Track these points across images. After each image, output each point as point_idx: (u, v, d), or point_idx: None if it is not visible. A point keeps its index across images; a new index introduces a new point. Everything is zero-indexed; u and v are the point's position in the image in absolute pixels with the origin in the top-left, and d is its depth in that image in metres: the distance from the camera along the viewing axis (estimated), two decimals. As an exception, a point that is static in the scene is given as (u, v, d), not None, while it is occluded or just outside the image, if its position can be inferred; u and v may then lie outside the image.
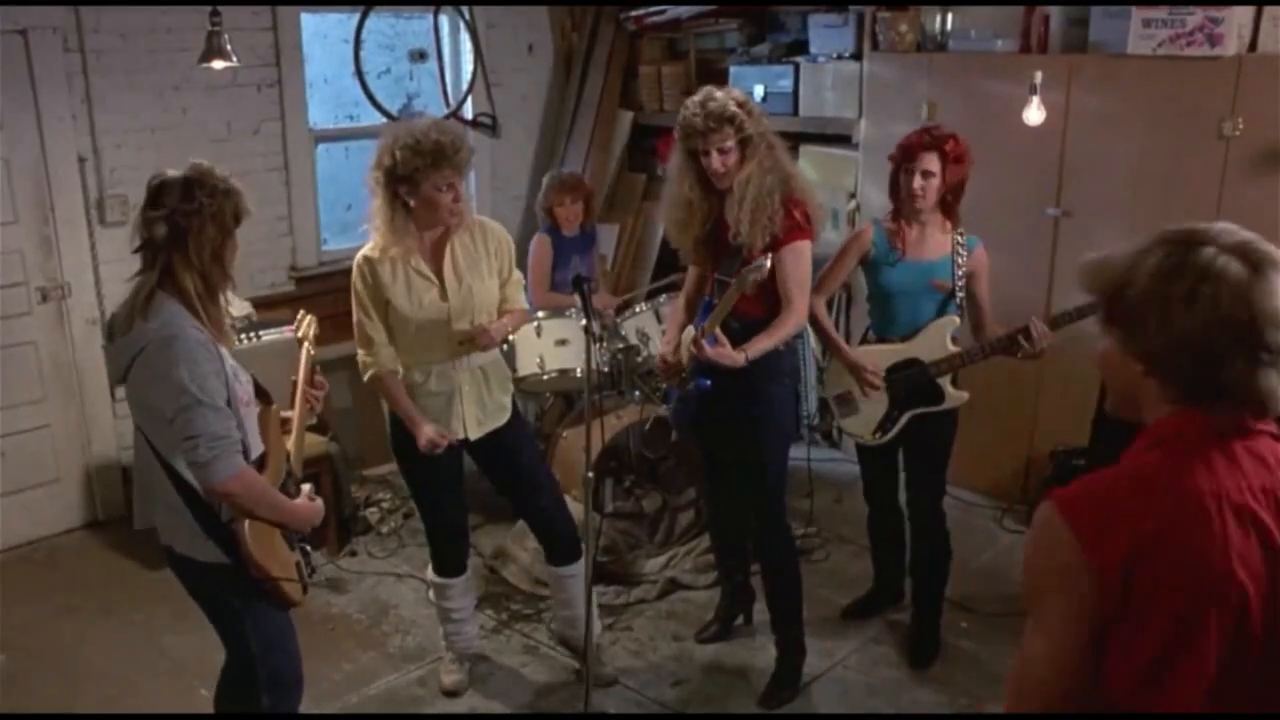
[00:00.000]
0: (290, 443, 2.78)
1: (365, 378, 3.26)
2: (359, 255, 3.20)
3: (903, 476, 3.72)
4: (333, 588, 4.32)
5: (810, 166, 5.10)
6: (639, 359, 4.44)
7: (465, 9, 5.62)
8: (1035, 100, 3.99)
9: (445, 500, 3.46)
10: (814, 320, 3.58)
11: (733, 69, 5.46)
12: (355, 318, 3.23)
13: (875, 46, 4.91)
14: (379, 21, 5.46)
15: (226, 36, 4.01)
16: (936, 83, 4.67)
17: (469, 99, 5.76)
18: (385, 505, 4.86)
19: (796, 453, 3.64)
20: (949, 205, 3.45)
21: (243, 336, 4.27)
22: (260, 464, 2.56)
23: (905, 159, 3.39)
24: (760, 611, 3.86)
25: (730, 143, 3.10)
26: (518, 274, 3.39)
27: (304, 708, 2.85)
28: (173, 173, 2.44)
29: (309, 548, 2.78)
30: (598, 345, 3.98)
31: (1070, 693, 1.42)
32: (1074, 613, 1.40)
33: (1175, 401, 1.43)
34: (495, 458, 3.44)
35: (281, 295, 5.18)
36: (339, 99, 5.55)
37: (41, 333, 4.60)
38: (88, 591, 4.29)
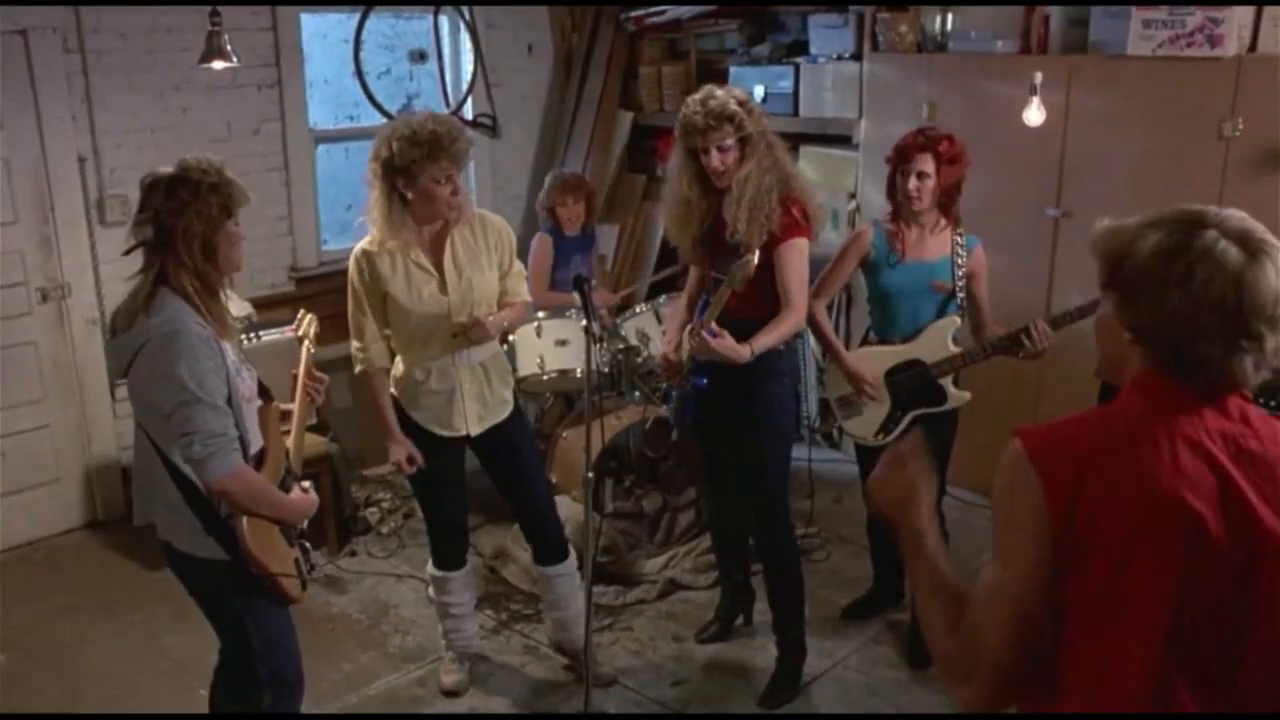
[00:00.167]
0: (290, 441, 2.78)
1: (356, 370, 3.29)
2: (356, 249, 3.20)
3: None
4: (333, 588, 4.32)
5: (810, 167, 5.10)
6: (639, 359, 4.44)
7: (465, 9, 5.62)
8: (1035, 101, 3.99)
9: (446, 498, 3.46)
10: (814, 325, 3.58)
11: (733, 69, 5.46)
12: (350, 311, 3.24)
13: (875, 47, 4.91)
14: (379, 22, 5.46)
15: (226, 37, 4.02)
16: (936, 83, 4.67)
17: (469, 99, 5.76)
18: (385, 505, 4.86)
19: (797, 453, 3.64)
20: (947, 205, 3.45)
21: (243, 337, 4.27)
22: (259, 460, 2.56)
23: (900, 160, 3.39)
24: (760, 611, 3.86)
25: (730, 141, 3.10)
26: (519, 265, 3.38)
27: (304, 707, 2.85)
28: (164, 170, 2.44)
29: (308, 544, 2.78)
30: (598, 346, 3.97)
31: (1032, 619, 1.45)
32: (1033, 539, 1.44)
33: (1155, 370, 1.48)
34: (497, 453, 3.44)
35: (281, 295, 5.19)
36: (339, 99, 5.55)
37: (41, 333, 4.60)
38: (88, 591, 4.29)
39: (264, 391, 2.66)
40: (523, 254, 3.72)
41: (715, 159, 3.13)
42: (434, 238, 3.20)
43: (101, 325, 4.68)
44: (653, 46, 6.09)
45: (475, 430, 3.33)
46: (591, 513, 3.26)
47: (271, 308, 4.96)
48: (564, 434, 4.60)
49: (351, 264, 3.21)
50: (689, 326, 3.25)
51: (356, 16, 5.23)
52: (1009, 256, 4.07)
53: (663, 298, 4.69)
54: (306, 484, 2.74)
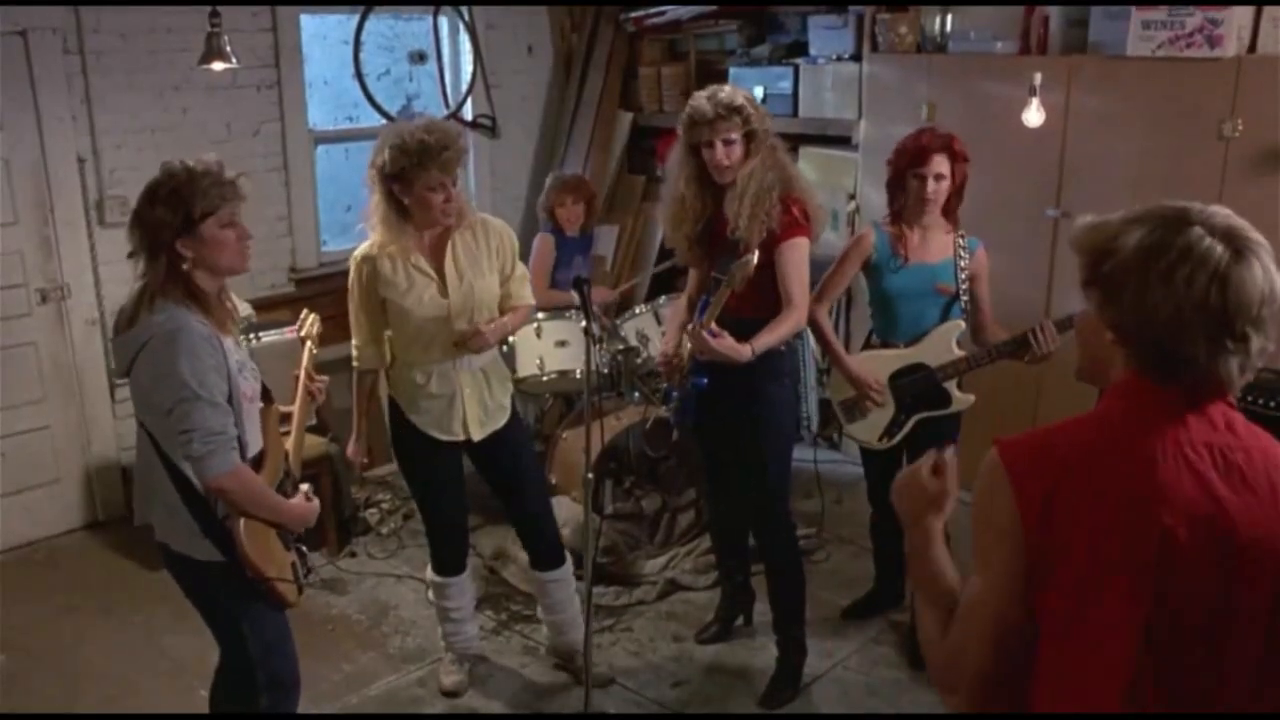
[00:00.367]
0: (289, 443, 2.78)
1: (354, 368, 3.35)
2: (356, 254, 3.22)
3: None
4: (332, 588, 4.32)
5: (810, 168, 5.10)
6: (639, 360, 4.44)
7: (465, 10, 5.62)
8: (1035, 101, 3.98)
9: (445, 500, 3.46)
10: (817, 329, 3.58)
11: (732, 70, 5.46)
12: (350, 314, 3.27)
13: (875, 48, 4.91)
14: (378, 23, 5.46)
15: (226, 37, 4.01)
16: (936, 84, 4.67)
17: (469, 100, 5.76)
18: (385, 506, 4.86)
19: (799, 454, 3.64)
20: (950, 206, 3.45)
21: (242, 337, 4.27)
22: (258, 462, 2.56)
23: (915, 163, 3.36)
24: (760, 612, 3.86)
25: (736, 134, 3.11)
26: (521, 269, 3.38)
27: (303, 708, 2.85)
28: (163, 169, 2.46)
29: (305, 548, 2.78)
30: (597, 347, 3.98)
31: (1011, 627, 1.45)
32: (1008, 549, 1.43)
33: (1137, 372, 1.45)
34: (496, 459, 3.44)
35: (281, 296, 5.19)
36: (338, 100, 5.55)
37: (41, 334, 4.60)
38: (88, 591, 4.29)
39: (265, 393, 2.66)
40: (523, 254, 3.72)
41: (720, 152, 3.12)
42: (435, 242, 3.20)
43: (101, 326, 4.68)
44: (652, 47, 6.09)
45: (477, 435, 3.34)
46: (591, 514, 3.26)
47: (271, 308, 4.96)
48: (564, 435, 4.60)
49: (351, 268, 3.22)
50: (689, 326, 3.25)
51: (356, 17, 5.22)
52: (1009, 257, 4.07)
53: (662, 298, 4.69)
54: (305, 486, 2.74)
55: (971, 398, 3.52)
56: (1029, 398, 4.53)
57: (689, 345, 3.20)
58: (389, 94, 5.57)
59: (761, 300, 3.18)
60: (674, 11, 5.71)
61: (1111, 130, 4.18)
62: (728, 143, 3.12)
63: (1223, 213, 1.42)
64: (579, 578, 3.53)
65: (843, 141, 5.14)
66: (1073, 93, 4.25)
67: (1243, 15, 3.84)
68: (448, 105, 5.65)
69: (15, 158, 4.42)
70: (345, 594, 4.29)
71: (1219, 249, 1.36)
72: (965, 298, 3.46)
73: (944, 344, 3.47)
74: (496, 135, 5.91)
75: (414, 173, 3.02)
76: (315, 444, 4.38)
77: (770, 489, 3.42)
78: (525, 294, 3.39)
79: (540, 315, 4.42)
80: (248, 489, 2.47)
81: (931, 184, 3.34)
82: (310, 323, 3.12)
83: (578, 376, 4.36)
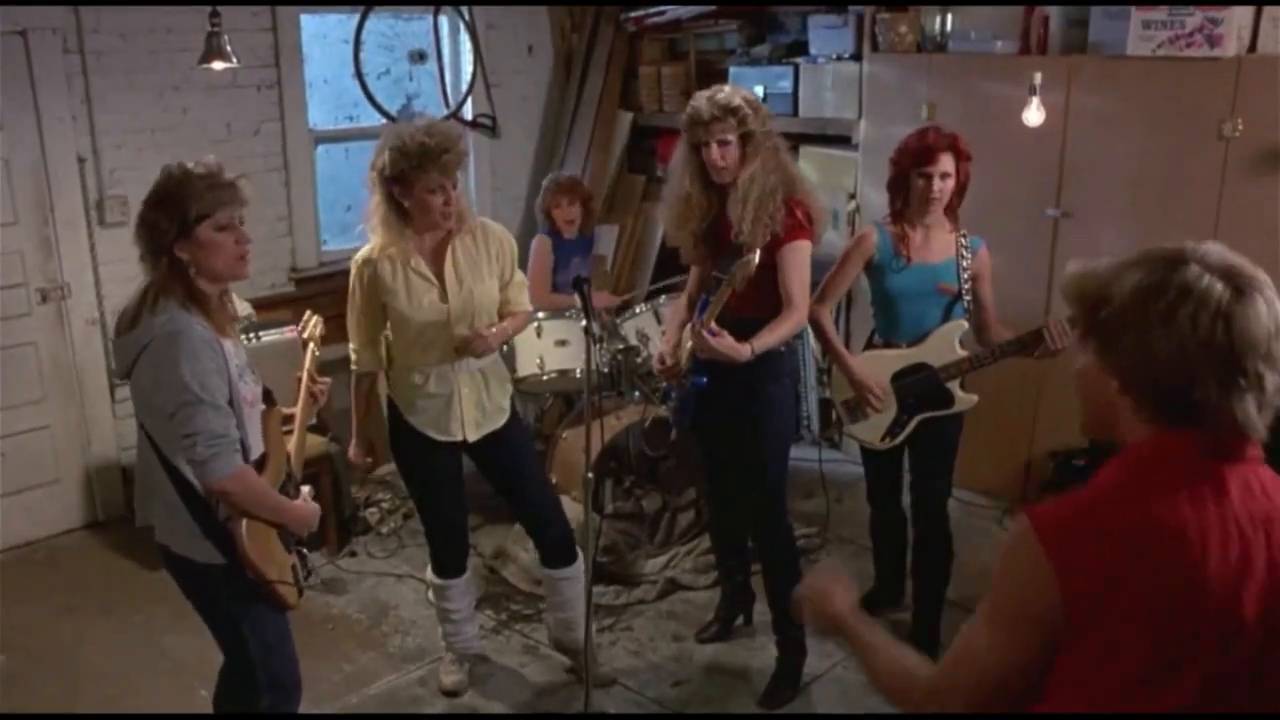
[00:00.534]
0: (291, 445, 2.78)
1: (353, 370, 3.35)
2: (357, 257, 3.22)
3: (907, 478, 3.72)
4: (332, 588, 4.32)
5: (810, 167, 5.09)
6: (639, 360, 4.44)
7: (465, 10, 5.62)
8: (1035, 101, 3.98)
9: (444, 501, 3.46)
10: (819, 331, 3.58)
11: (732, 70, 5.46)
12: (349, 316, 3.27)
13: (875, 47, 4.91)
14: (378, 22, 5.46)
15: (226, 37, 4.01)
16: (936, 84, 4.67)
17: (469, 100, 5.76)
18: (385, 506, 4.86)
19: (801, 454, 3.64)
20: (952, 206, 3.44)
21: (242, 338, 4.27)
22: (260, 465, 2.56)
23: (921, 161, 3.34)
24: (760, 612, 3.86)
25: (731, 136, 3.11)
26: (520, 275, 3.38)
27: (303, 708, 2.85)
28: (162, 172, 2.46)
29: (305, 551, 2.78)
30: (598, 346, 3.97)
31: (1002, 696, 1.44)
32: (1031, 627, 1.40)
33: (1149, 421, 1.40)
34: (494, 459, 3.44)
35: (281, 296, 5.19)
36: (339, 100, 5.55)
37: (41, 333, 4.60)
38: (88, 591, 4.30)
39: (267, 396, 2.66)
40: (522, 255, 3.72)
41: (715, 152, 3.13)
42: (435, 246, 3.20)
43: (101, 326, 4.68)
44: (652, 47, 6.09)
45: (473, 436, 3.33)
46: (591, 513, 3.26)
47: (271, 308, 4.96)
48: (564, 434, 4.60)
49: (352, 271, 3.22)
50: (689, 325, 3.25)
51: (356, 17, 5.22)
52: (1009, 256, 4.06)
53: (662, 298, 4.69)
54: (307, 489, 2.74)
55: (974, 398, 3.52)
56: (1030, 398, 4.53)
57: (689, 344, 3.21)
58: (389, 94, 5.57)
59: (763, 300, 3.19)
60: (674, 11, 5.71)
61: (1111, 130, 4.18)
62: (723, 144, 3.12)
63: (1217, 250, 1.38)
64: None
65: (843, 141, 5.14)
66: (1073, 93, 4.25)
67: (1243, 15, 3.84)
68: (448, 105, 5.65)
69: (15, 158, 4.42)
70: (345, 594, 4.29)
71: (1219, 286, 1.32)
72: (968, 298, 3.46)
73: (946, 344, 3.47)
74: (496, 135, 5.91)
75: (414, 175, 3.02)
76: (315, 444, 4.38)
77: (769, 489, 3.42)
78: (523, 300, 3.39)
79: (540, 315, 4.42)
80: (251, 491, 2.47)
81: (937, 183, 3.34)
82: (313, 324, 3.12)
83: (578, 376, 4.36)
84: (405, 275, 3.16)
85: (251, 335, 4.37)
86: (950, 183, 3.36)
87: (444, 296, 3.18)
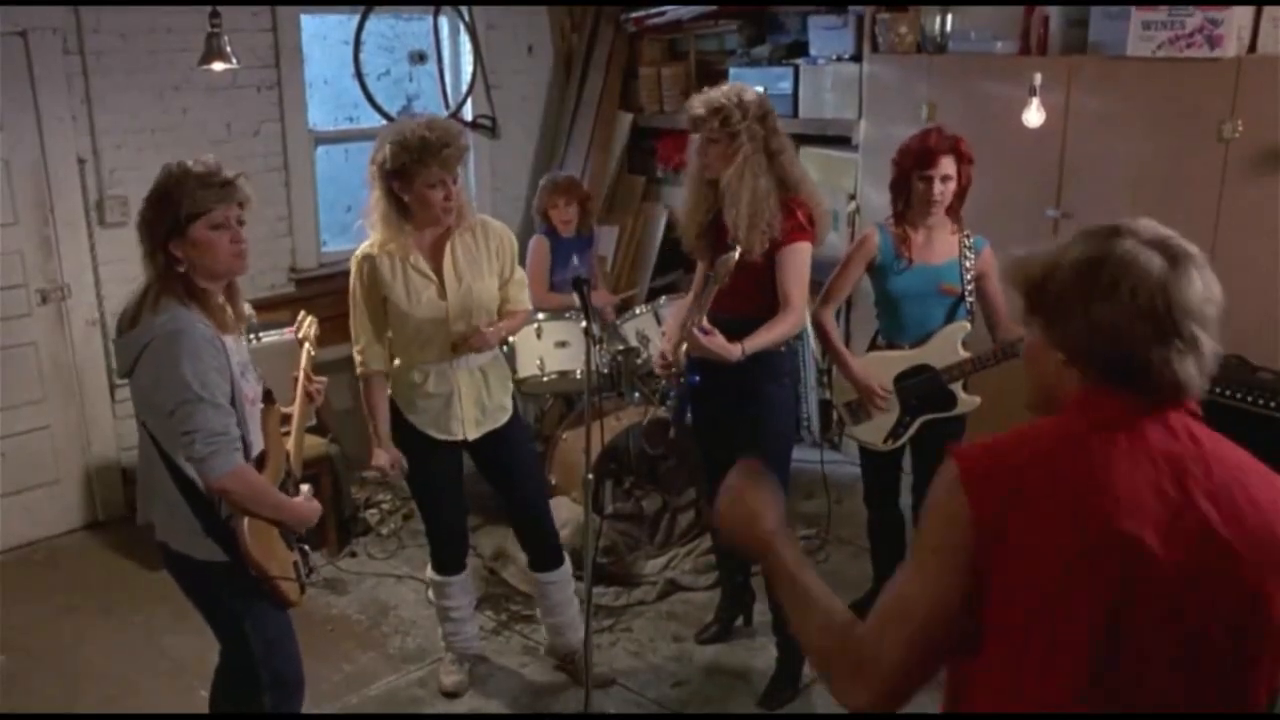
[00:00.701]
0: (290, 443, 2.78)
1: (358, 373, 3.30)
2: (357, 253, 3.21)
3: (909, 479, 3.72)
4: (332, 589, 4.32)
5: (810, 168, 5.04)
6: (639, 361, 4.44)
7: (465, 10, 5.62)
8: (1035, 102, 3.98)
9: (444, 500, 3.46)
10: (823, 334, 3.58)
11: (732, 70, 5.46)
12: (351, 315, 3.25)
13: (875, 48, 4.91)
14: (378, 23, 5.47)
15: (226, 38, 4.01)
16: (936, 84, 4.67)
17: (469, 100, 5.76)
18: (385, 506, 4.86)
19: (802, 455, 3.64)
20: (954, 207, 3.44)
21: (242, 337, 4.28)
22: (260, 463, 2.56)
23: (922, 164, 3.35)
24: (760, 612, 3.86)
25: (716, 135, 3.13)
26: (520, 273, 3.38)
27: (304, 708, 2.85)
28: (161, 170, 2.47)
29: (307, 548, 2.78)
30: (598, 347, 3.98)
31: (935, 639, 1.45)
32: (953, 564, 1.43)
33: (1094, 385, 1.46)
34: (494, 458, 3.44)
35: (281, 296, 5.19)
36: (339, 100, 5.56)
37: (41, 334, 4.60)
38: (88, 591, 4.30)
39: (267, 395, 2.66)
40: (522, 255, 3.72)
41: (703, 150, 3.19)
42: (434, 243, 3.20)
43: (101, 326, 4.69)
44: (652, 47, 6.09)
45: (473, 435, 3.33)
46: (591, 514, 3.26)
47: (271, 309, 4.95)
48: (564, 435, 4.60)
49: (352, 268, 3.21)
50: (682, 322, 3.27)
51: (356, 18, 5.23)
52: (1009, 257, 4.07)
53: (663, 299, 4.69)
54: (306, 487, 2.75)
55: (977, 399, 3.52)
56: (1029, 398, 4.52)
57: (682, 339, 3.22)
58: (389, 94, 5.57)
59: (763, 301, 3.19)
60: (674, 11, 5.71)
61: (1111, 130, 4.18)
62: (711, 142, 3.15)
63: (1150, 224, 1.45)
64: (578, 578, 3.53)
65: (843, 142, 5.14)
66: (1073, 93, 4.25)
67: (1243, 15, 3.84)
68: (448, 105, 5.65)
69: (15, 158, 4.42)
70: (345, 594, 4.29)
71: (1155, 257, 1.40)
72: (971, 299, 3.46)
73: (949, 345, 3.47)
74: (496, 135, 5.91)
75: (414, 169, 3.02)
76: (315, 444, 4.39)
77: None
78: (523, 298, 3.39)
79: (540, 315, 4.42)
80: (251, 489, 2.47)
81: (938, 186, 3.34)
82: (308, 325, 3.12)
83: (578, 377, 4.36)
84: (404, 271, 3.16)
85: (251, 335, 4.38)
86: (951, 185, 3.36)
87: (442, 293, 3.18)
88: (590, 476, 3.13)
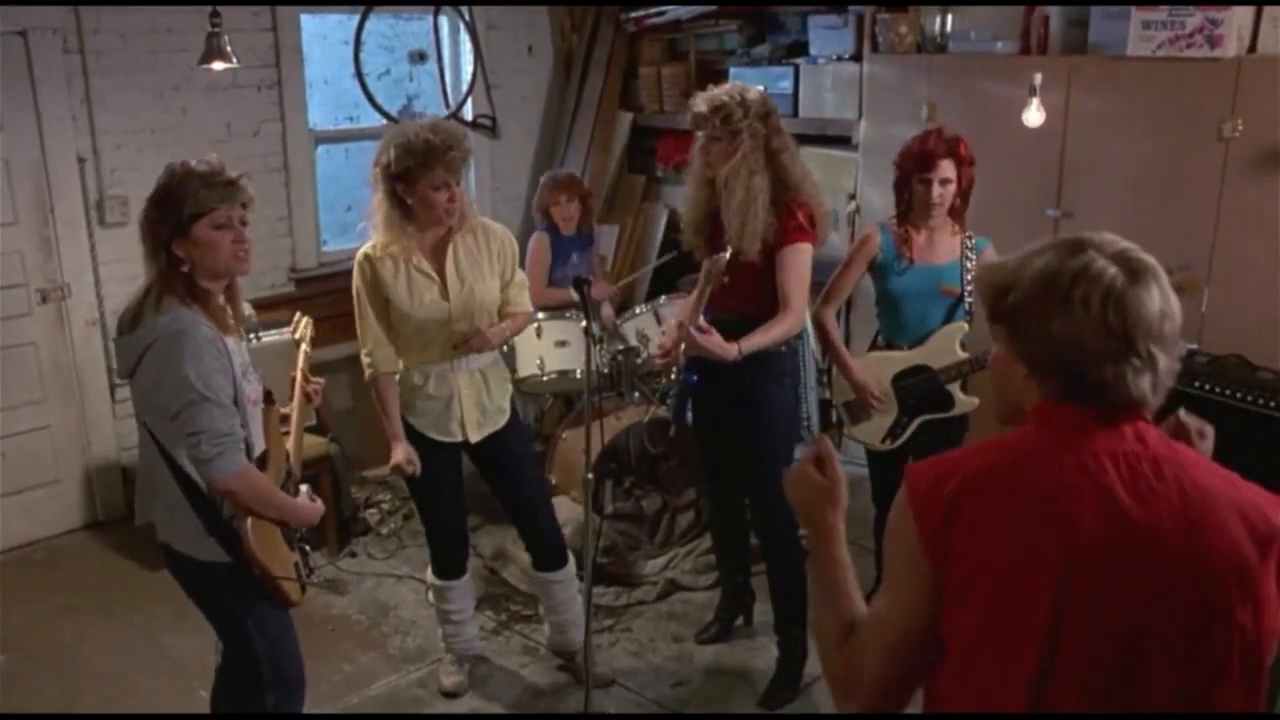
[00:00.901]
0: (290, 444, 2.78)
1: (366, 377, 3.28)
2: (359, 254, 3.21)
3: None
4: (332, 589, 4.31)
5: (810, 168, 5.08)
6: (639, 360, 4.44)
7: (465, 10, 5.62)
8: (1035, 102, 3.98)
9: (444, 502, 3.46)
10: (824, 334, 3.58)
11: (732, 70, 5.45)
12: (356, 317, 3.24)
13: (875, 48, 4.91)
14: (379, 23, 5.46)
15: (226, 37, 4.01)
16: (936, 84, 4.67)
17: (469, 100, 5.76)
18: (385, 506, 4.86)
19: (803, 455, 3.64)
20: (956, 208, 3.44)
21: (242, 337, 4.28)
22: (261, 463, 2.56)
23: (922, 168, 3.35)
24: (760, 612, 3.86)
25: (718, 134, 3.13)
26: (521, 275, 3.39)
27: (304, 708, 2.85)
28: (165, 170, 2.47)
29: (308, 548, 2.78)
30: (598, 347, 3.98)
31: (912, 647, 1.46)
32: (911, 571, 1.45)
33: (1053, 398, 1.46)
34: (494, 460, 3.44)
35: (281, 296, 5.19)
36: (339, 100, 5.55)
37: (41, 334, 4.60)
38: (88, 591, 4.30)
39: (267, 396, 2.67)
40: (522, 256, 3.72)
41: (705, 148, 3.20)
42: (436, 244, 3.20)
43: (102, 326, 4.69)
44: (652, 47, 6.08)
45: (474, 437, 3.34)
46: (591, 514, 3.26)
47: (271, 308, 4.95)
48: (564, 435, 4.60)
49: (355, 269, 3.21)
50: (679, 321, 3.27)
51: (356, 17, 5.22)
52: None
53: (663, 298, 4.69)
54: (306, 487, 2.75)
55: (975, 400, 3.52)
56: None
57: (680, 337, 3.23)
58: (389, 94, 5.56)
59: (762, 301, 3.19)
60: (674, 11, 5.71)
61: (1111, 130, 4.18)
62: (713, 139, 3.15)
63: (1112, 238, 1.45)
64: (580, 578, 3.53)
65: (843, 142, 5.14)
66: (1073, 93, 4.25)
67: (1243, 15, 3.84)
68: (448, 105, 5.64)
69: (15, 158, 4.42)
70: (345, 594, 4.29)
71: (1112, 270, 1.39)
72: (970, 300, 3.46)
73: (947, 346, 3.47)
74: (496, 135, 5.91)
75: (419, 172, 3.02)
76: (315, 444, 4.39)
77: (771, 489, 3.41)
78: (524, 301, 3.39)
79: (540, 315, 4.42)
80: (255, 489, 2.47)
81: (937, 189, 3.34)
82: (304, 325, 3.12)
83: (578, 376, 4.36)
84: (407, 272, 3.16)
85: (251, 335, 4.37)
86: (951, 188, 3.36)
87: (445, 294, 3.18)
88: (590, 476, 3.13)
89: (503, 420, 3.40)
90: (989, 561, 1.40)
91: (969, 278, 3.44)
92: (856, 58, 5.02)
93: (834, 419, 3.72)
